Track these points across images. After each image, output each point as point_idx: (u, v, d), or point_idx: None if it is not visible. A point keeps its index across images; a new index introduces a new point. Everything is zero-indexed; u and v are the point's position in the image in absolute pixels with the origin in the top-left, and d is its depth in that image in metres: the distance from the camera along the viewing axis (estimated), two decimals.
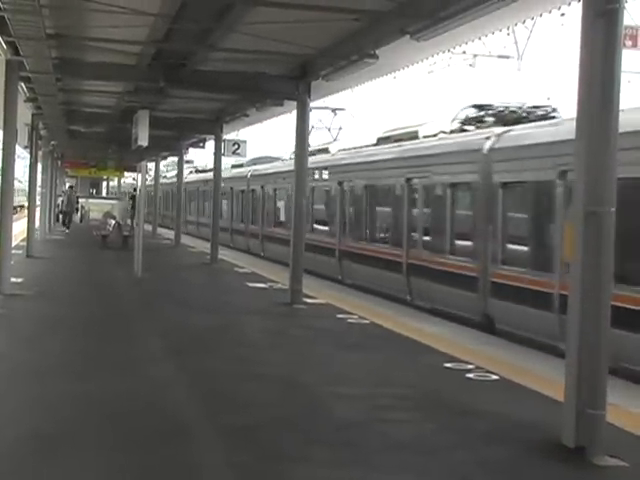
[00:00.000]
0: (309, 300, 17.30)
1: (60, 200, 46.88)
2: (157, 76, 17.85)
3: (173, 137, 33.73)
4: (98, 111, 28.62)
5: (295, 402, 9.03)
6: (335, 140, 33.04)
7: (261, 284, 20.50)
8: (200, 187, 44.71)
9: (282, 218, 30.09)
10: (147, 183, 54.72)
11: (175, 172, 50.95)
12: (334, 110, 35.34)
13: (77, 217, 49.71)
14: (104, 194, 69.51)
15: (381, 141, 22.72)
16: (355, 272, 21.85)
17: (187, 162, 47.93)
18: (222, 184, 32.07)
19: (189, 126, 30.00)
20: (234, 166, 40.94)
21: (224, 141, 28.54)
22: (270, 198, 31.77)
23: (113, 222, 36.26)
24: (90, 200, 54.33)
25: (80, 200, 52.31)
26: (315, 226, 25.28)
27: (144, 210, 26.36)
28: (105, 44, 16.30)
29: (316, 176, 24.91)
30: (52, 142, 37.35)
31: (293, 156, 29.29)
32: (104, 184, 73.32)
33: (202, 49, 16.54)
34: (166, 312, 15.62)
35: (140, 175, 26.13)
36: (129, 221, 38.45)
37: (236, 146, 29.34)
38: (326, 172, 24.79)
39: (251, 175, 35.09)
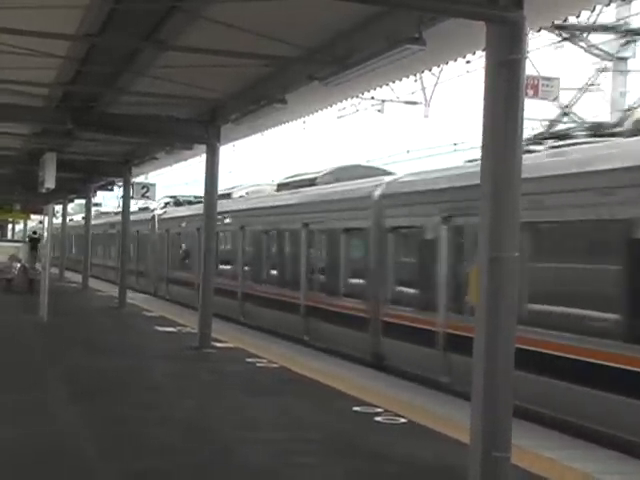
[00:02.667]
0: (218, 344, 17.18)
1: None
2: (65, 118, 17.64)
3: (81, 179, 33.31)
4: (3, 153, 28.10)
5: (204, 447, 8.94)
6: None
7: (170, 328, 20.31)
8: (184, 224, 30.72)
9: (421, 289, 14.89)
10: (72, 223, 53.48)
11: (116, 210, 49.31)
12: None
13: None
14: (9, 237, 68.13)
15: None
16: None
17: (95, 205, 47.11)
18: (228, 219, 23.67)
19: (97, 169, 29.60)
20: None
21: (133, 184, 28.35)
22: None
23: (19, 265, 35.53)
24: None
25: None
26: None
27: (50, 254, 25.66)
28: (11, 86, 16.05)
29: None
30: None
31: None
32: (9, 227, 71.92)
33: (111, 92, 16.46)
34: (72, 357, 15.32)
35: (47, 218, 25.73)
36: (37, 265, 37.58)
37: (145, 189, 29.18)
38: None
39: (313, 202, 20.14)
